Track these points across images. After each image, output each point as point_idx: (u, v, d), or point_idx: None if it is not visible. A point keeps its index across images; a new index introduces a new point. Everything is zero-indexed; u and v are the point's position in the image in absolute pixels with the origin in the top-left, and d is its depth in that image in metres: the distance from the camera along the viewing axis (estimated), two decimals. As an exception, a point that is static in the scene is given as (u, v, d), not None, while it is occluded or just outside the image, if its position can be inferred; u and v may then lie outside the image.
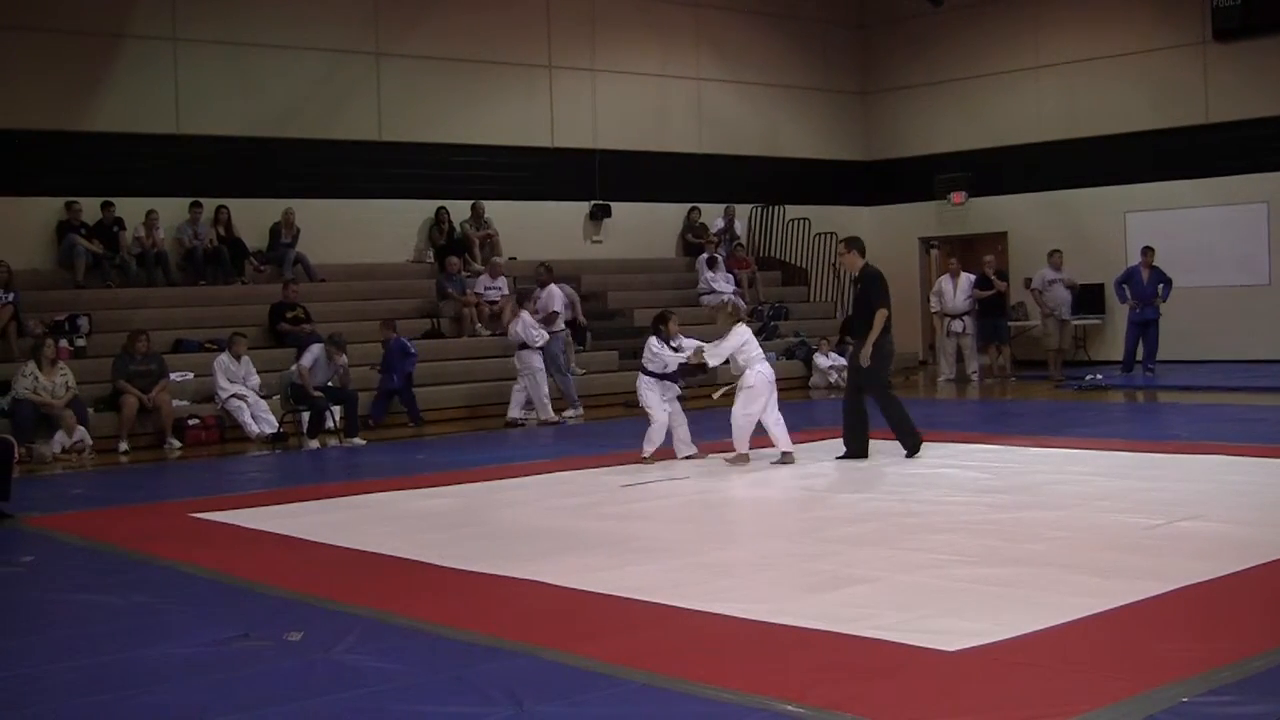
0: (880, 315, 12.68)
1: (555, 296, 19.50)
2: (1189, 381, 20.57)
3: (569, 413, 19.03)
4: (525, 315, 18.74)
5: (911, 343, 26.53)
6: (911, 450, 12.87)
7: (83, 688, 6.04)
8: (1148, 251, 22.28)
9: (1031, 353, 24.92)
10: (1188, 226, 24.25)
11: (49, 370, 16.19)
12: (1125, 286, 22.35)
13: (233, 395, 17.28)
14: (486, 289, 21.70)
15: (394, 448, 16.49)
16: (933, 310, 24.11)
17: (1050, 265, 23.00)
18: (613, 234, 25.11)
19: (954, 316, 23.20)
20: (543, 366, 18.66)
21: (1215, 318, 23.94)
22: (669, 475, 12.34)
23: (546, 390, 18.71)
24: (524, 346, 18.56)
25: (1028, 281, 25.62)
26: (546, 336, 18.79)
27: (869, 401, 13.00)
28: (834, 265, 26.51)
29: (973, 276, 23.34)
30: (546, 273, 20.08)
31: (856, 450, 12.94)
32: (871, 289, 12.86)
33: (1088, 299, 24.44)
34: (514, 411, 18.71)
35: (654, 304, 23.95)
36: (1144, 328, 22.13)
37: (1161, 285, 22.08)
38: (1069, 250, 23.49)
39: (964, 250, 26.55)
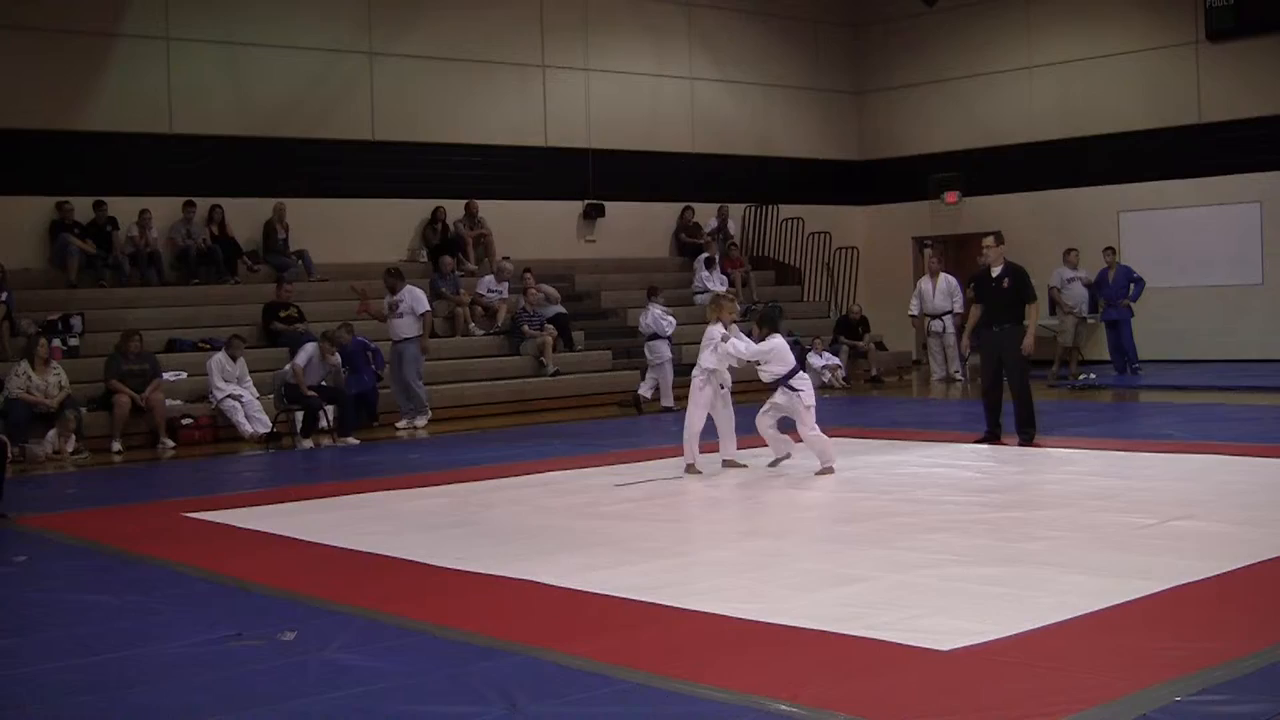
0: (1035, 307, 13.61)
1: (420, 300, 18.40)
2: (1182, 381, 20.59)
3: (418, 421, 18.28)
4: (655, 309, 19.97)
5: (905, 343, 26.55)
6: (1027, 440, 13.43)
7: (76, 687, 6.04)
8: (1108, 252, 22.50)
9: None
10: (1181, 226, 24.29)
11: (42, 370, 16.17)
12: (1097, 289, 22.49)
13: (228, 395, 17.29)
14: (490, 291, 21.74)
15: (388, 447, 16.48)
16: (910, 313, 24.08)
17: (1067, 264, 23.00)
18: (606, 233, 25.11)
19: (934, 317, 23.24)
20: (671, 356, 19.81)
21: (1208, 317, 23.96)
22: (662, 475, 12.33)
23: (671, 379, 19.68)
24: (654, 336, 19.76)
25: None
26: (675, 325, 20.15)
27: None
28: (827, 264, 26.58)
29: (951, 278, 23.40)
30: (396, 278, 18.55)
31: (996, 435, 13.69)
32: (1025, 283, 13.59)
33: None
34: (644, 390, 19.96)
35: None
36: (1116, 327, 22.24)
37: (1132, 285, 22.15)
38: (1062, 250, 23.47)
39: (957, 250, 26.57)
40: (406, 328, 18.20)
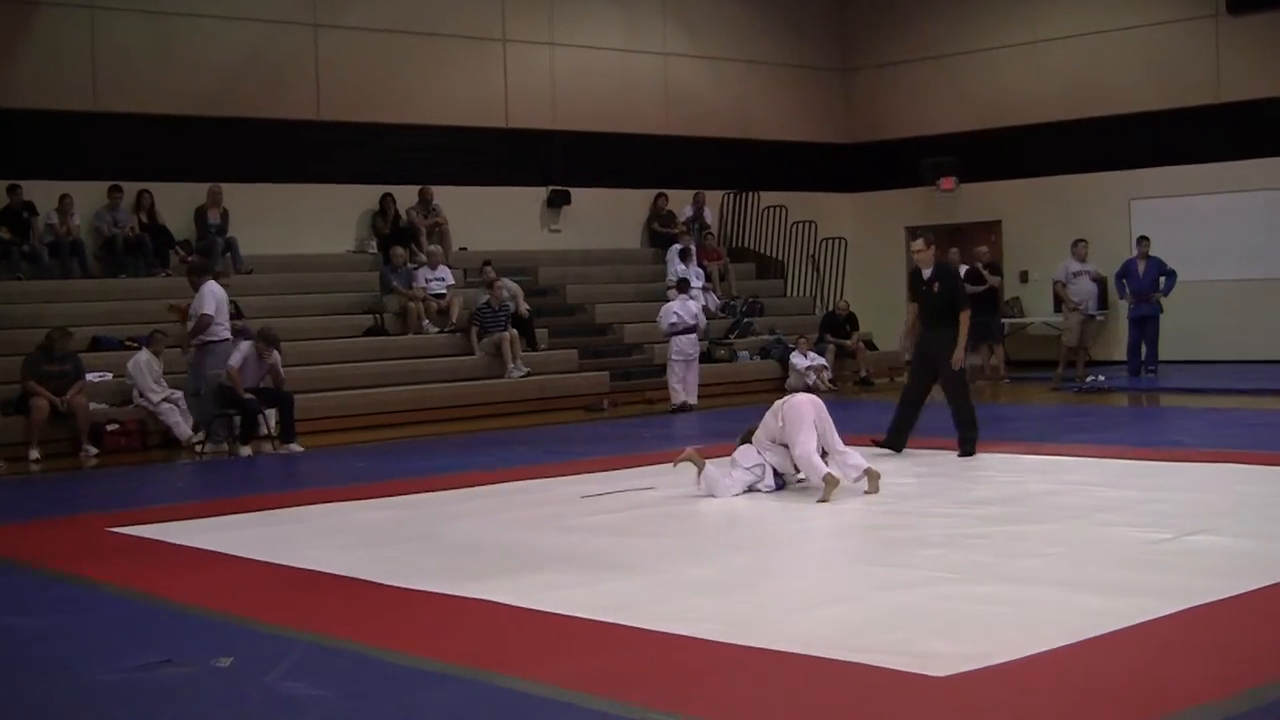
0: (966, 315, 13.69)
1: (205, 299, 16.89)
2: (1197, 383, 20.69)
3: (191, 436, 17.25)
4: (690, 302, 20.90)
5: (896, 341, 26.55)
6: (969, 451, 13.48)
7: (-11, 719, 6.01)
8: (1143, 241, 22.48)
9: (1027, 352, 25.07)
10: (1196, 215, 24.38)
11: (-47, 370, 16.11)
12: (1124, 281, 22.46)
13: (164, 398, 17.27)
14: (429, 281, 21.68)
15: (334, 455, 16.46)
16: None
17: (1074, 256, 23.03)
18: (572, 222, 25.11)
19: None
20: (697, 353, 20.74)
21: (1226, 314, 24.05)
22: (634, 485, 12.33)
23: (683, 377, 20.41)
24: (690, 330, 20.52)
25: (1024, 275, 25.76)
26: (705, 322, 21.33)
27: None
28: (812, 256, 26.62)
29: (963, 268, 23.42)
30: (196, 273, 17.41)
31: (898, 443, 13.68)
32: (955, 287, 13.92)
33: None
34: (683, 396, 20.52)
35: (617, 298, 24.07)
36: (1142, 325, 22.27)
37: (1163, 278, 22.20)
38: (1068, 241, 23.52)
39: (952, 241, 26.60)
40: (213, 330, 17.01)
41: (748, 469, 11.58)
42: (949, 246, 25.55)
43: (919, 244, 14.02)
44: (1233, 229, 24.15)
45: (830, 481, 10.99)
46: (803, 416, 11.32)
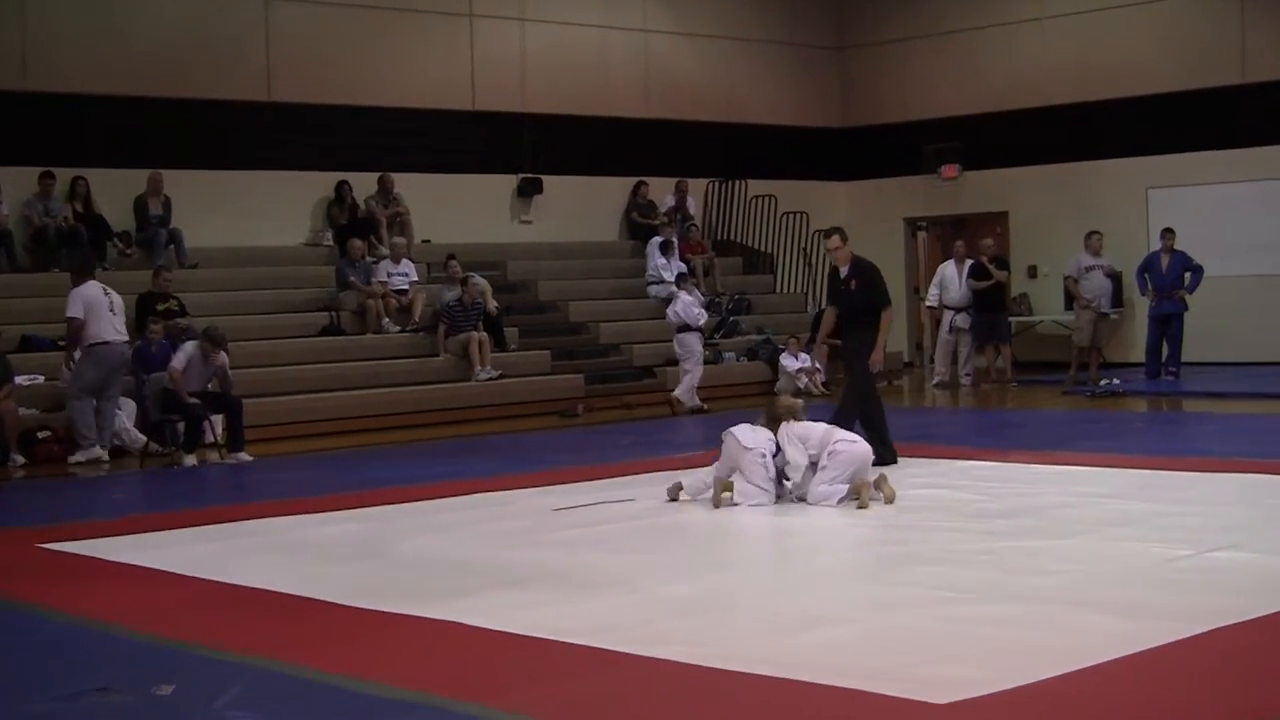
0: (888, 314, 13.87)
1: (72, 302, 16.70)
2: (1221, 387, 20.74)
3: (79, 457, 16.70)
4: (684, 295, 21.16)
5: (895, 341, 26.58)
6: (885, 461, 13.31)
7: (-90, 752, 5.99)
8: (1168, 234, 22.44)
9: (1036, 353, 25.09)
10: (1219, 205, 24.39)
11: None
12: (1146, 276, 22.48)
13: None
14: (391, 275, 21.62)
15: (287, 464, 16.43)
16: (929, 304, 24.10)
17: (1087, 249, 23.02)
18: (544, 213, 25.08)
19: (958, 310, 23.25)
20: (702, 350, 21.15)
21: (1251, 312, 24.03)
22: (611, 498, 12.32)
23: (699, 377, 20.95)
24: (685, 329, 20.86)
25: (1032, 270, 25.77)
26: (705, 316, 21.62)
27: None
28: (804, 250, 26.61)
29: (968, 262, 23.45)
30: (76, 274, 17.25)
31: (888, 456, 13.49)
32: (874, 284, 13.94)
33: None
34: (681, 393, 20.88)
35: (592, 295, 24.04)
36: (1165, 324, 22.28)
37: (1188, 274, 22.21)
38: (1080, 233, 23.54)
39: (956, 233, 26.63)
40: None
41: (761, 457, 11.61)
42: (953, 239, 25.67)
43: (834, 240, 14.17)
44: (1259, 220, 24.12)
45: (864, 487, 11.25)
46: (848, 465, 11.49)
